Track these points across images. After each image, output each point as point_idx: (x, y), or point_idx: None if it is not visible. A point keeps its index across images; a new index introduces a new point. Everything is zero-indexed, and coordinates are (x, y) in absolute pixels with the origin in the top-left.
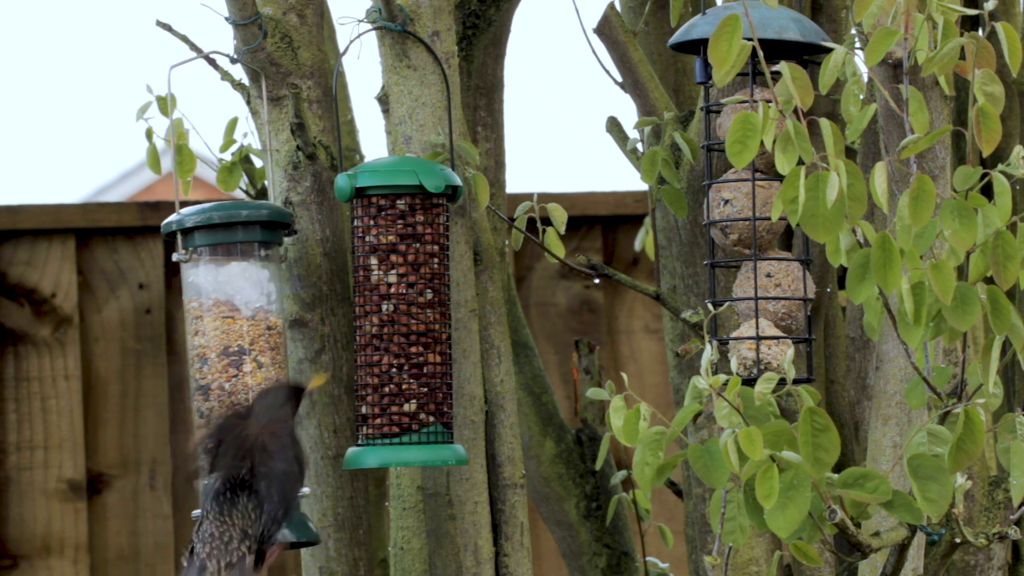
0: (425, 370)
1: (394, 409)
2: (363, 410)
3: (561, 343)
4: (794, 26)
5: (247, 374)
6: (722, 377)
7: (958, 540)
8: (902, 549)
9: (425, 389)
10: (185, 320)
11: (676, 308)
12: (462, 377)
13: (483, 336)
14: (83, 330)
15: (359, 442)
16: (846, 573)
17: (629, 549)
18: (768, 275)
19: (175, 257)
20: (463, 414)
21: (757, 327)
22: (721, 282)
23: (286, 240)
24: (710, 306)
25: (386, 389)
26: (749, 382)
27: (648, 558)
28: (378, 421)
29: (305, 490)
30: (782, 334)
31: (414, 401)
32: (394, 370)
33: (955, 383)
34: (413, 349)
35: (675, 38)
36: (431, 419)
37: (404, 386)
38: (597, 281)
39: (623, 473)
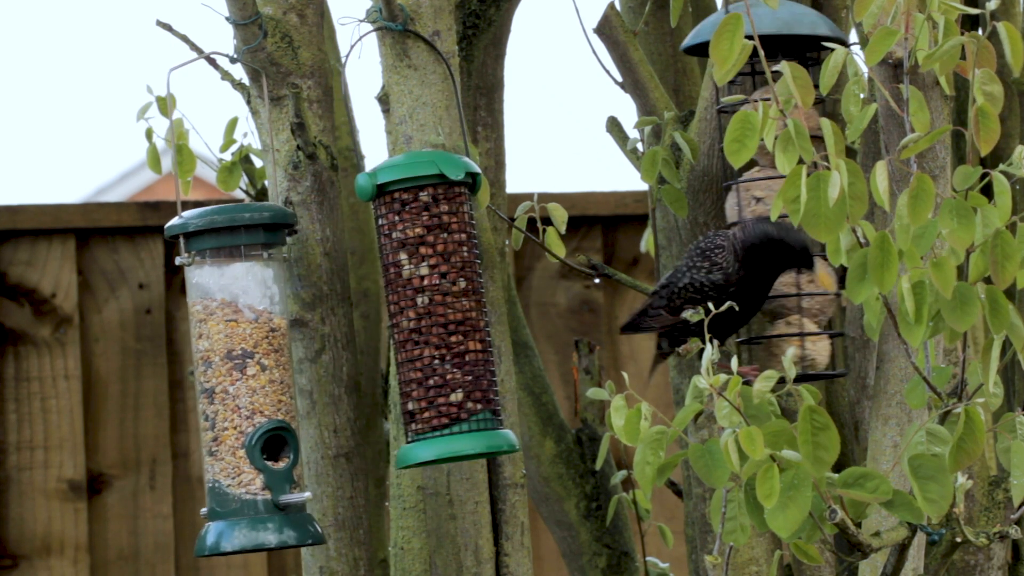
0: (467, 358)
1: (441, 400)
2: (409, 406)
3: (561, 343)
4: (823, 24)
5: (251, 377)
6: (723, 377)
7: (959, 540)
8: (902, 549)
9: (470, 377)
10: (189, 323)
11: None
12: None
13: None
14: (83, 330)
15: (408, 439)
16: (846, 573)
17: (629, 549)
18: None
19: (178, 261)
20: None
21: (801, 324)
22: None
23: (287, 239)
24: (711, 306)
25: (430, 382)
26: (803, 378)
27: (648, 558)
28: (427, 415)
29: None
30: (821, 331)
31: (460, 390)
32: (436, 361)
33: (955, 383)
34: (453, 339)
35: (689, 40)
36: (479, 407)
37: (448, 376)
38: (597, 281)
39: (623, 473)
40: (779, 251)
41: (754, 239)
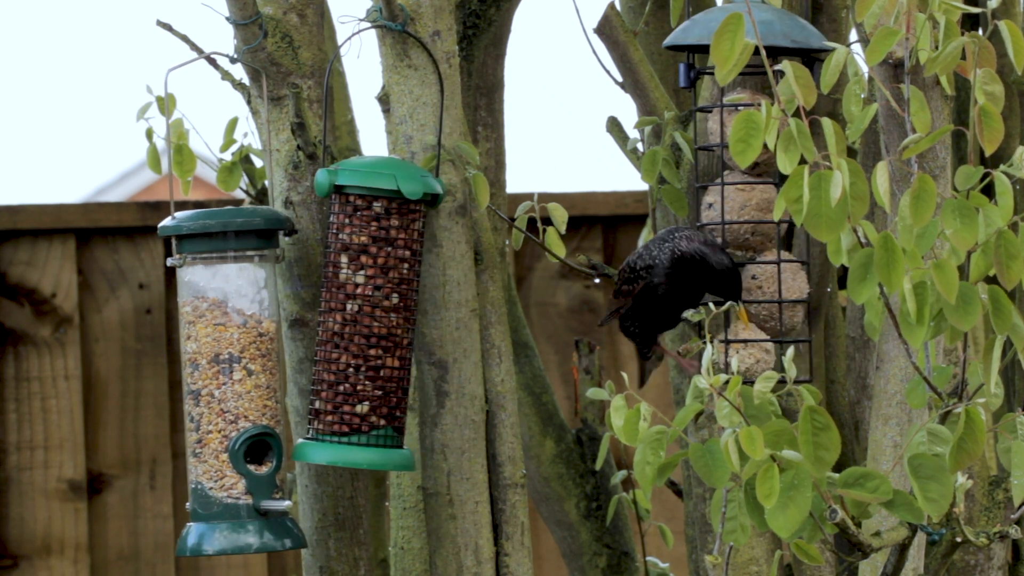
0: (382, 373)
1: (346, 408)
2: (316, 404)
3: (561, 343)
4: (760, 28)
5: (237, 382)
6: (723, 376)
7: (959, 539)
8: (903, 549)
9: (380, 392)
10: (180, 323)
11: None
12: (463, 377)
13: (484, 336)
14: (83, 330)
15: (308, 435)
16: (846, 573)
17: (629, 549)
18: (753, 277)
19: (170, 262)
20: (464, 414)
21: (726, 332)
22: None
23: (286, 240)
24: (711, 305)
25: (341, 388)
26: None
27: (648, 558)
28: (329, 418)
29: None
30: (763, 336)
31: (367, 403)
32: (351, 370)
33: (955, 383)
34: (372, 351)
35: (670, 40)
36: (382, 422)
37: (359, 387)
38: (597, 281)
39: (623, 473)
40: (701, 271)
41: (684, 253)
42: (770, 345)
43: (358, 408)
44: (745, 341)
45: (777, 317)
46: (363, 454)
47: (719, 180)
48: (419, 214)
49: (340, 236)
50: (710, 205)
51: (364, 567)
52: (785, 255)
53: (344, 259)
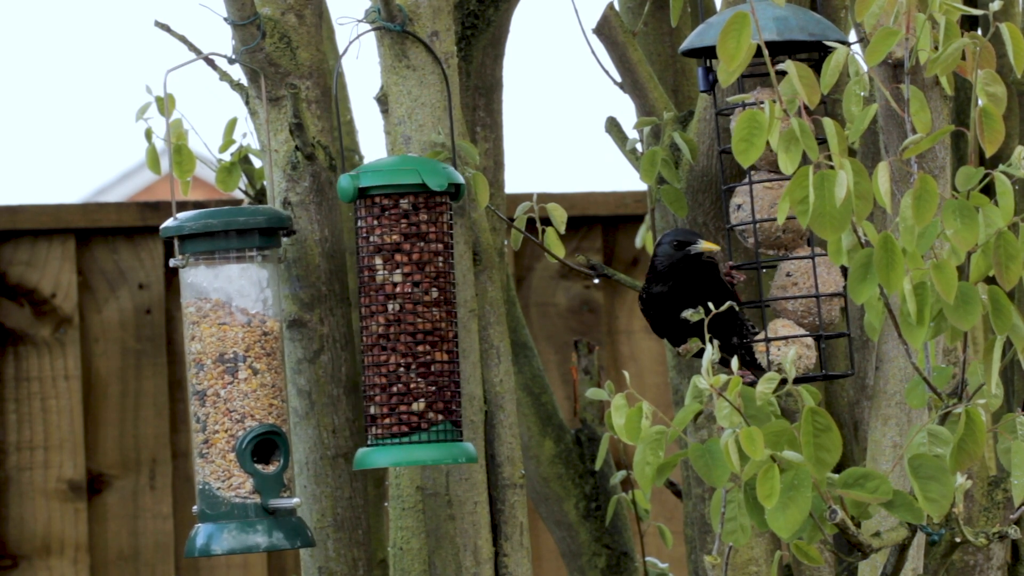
0: (433, 368)
1: (402, 408)
2: (371, 410)
3: (561, 343)
4: (773, 25)
5: (242, 381)
6: (723, 377)
7: (958, 539)
8: (902, 549)
9: (433, 388)
10: (183, 324)
11: None
12: (462, 377)
13: (482, 336)
14: (83, 330)
15: (368, 443)
16: (846, 573)
17: (628, 549)
18: (788, 274)
19: (172, 263)
20: (463, 414)
21: (765, 331)
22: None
23: (285, 241)
24: (711, 305)
25: (394, 389)
26: (804, 380)
27: (647, 558)
28: (387, 421)
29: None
30: (803, 332)
31: (422, 400)
32: (401, 369)
33: (955, 383)
34: (420, 348)
35: (686, 44)
36: (440, 417)
37: (412, 385)
38: (597, 281)
39: (623, 473)
40: (693, 265)
41: (669, 260)
42: (810, 340)
43: (414, 406)
44: (785, 338)
45: (815, 312)
46: (426, 451)
47: (746, 180)
48: (445, 207)
49: (371, 239)
50: (739, 207)
51: (363, 567)
52: (818, 249)
53: (379, 260)
